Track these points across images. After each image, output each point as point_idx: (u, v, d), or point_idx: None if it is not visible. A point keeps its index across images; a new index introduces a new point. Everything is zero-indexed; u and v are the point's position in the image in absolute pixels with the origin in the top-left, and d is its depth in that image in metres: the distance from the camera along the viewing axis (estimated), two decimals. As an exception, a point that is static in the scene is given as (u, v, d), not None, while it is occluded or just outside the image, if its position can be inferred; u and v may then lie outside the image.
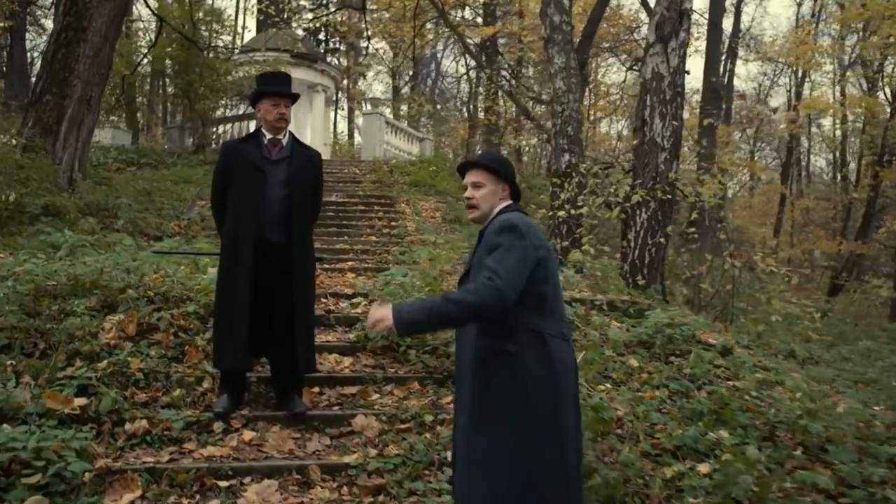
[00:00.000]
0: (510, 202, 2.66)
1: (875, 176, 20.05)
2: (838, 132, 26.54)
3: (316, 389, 4.36)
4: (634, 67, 23.74)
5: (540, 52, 23.58)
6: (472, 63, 31.10)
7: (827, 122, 28.62)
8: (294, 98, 4.08)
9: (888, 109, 20.70)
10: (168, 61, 18.09)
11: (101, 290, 4.95)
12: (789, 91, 30.01)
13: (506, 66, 20.00)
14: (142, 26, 22.13)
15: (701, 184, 9.86)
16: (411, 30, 20.76)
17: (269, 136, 4.05)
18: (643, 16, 23.30)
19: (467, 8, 23.53)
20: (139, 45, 18.23)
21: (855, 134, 25.56)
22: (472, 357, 2.47)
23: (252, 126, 18.26)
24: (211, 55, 17.30)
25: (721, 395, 4.47)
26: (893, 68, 22.36)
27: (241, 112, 18.60)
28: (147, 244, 8.56)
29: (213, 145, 17.96)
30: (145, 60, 17.30)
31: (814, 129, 29.61)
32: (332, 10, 17.62)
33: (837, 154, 27.66)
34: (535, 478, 2.37)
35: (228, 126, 18.62)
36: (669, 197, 9.51)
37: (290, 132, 4.17)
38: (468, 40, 29.26)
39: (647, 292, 8.94)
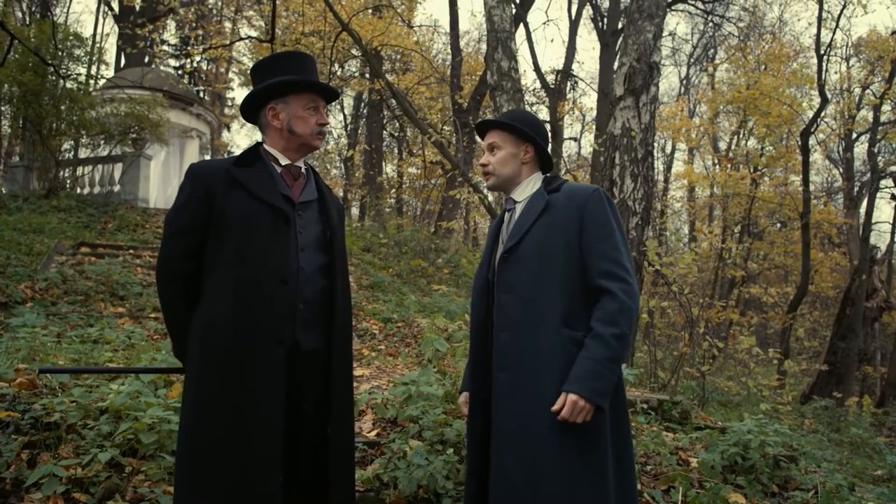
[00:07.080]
0: (543, 174, 2.37)
1: (745, 246, 20.73)
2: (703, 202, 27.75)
3: None
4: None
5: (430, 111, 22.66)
6: (352, 114, 29.90)
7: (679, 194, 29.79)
8: (333, 99, 2.35)
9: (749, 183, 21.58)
10: (14, 88, 14.98)
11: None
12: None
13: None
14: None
15: (663, 255, 9.00)
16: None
17: (283, 160, 2.26)
18: (531, 79, 23.21)
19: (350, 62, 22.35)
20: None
21: (703, 205, 26.82)
22: (550, 347, 2.10)
23: (118, 173, 15.61)
24: (72, 85, 14.54)
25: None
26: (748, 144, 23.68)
27: (105, 153, 15.86)
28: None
29: (69, 189, 15.06)
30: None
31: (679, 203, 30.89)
32: (230, 41, 15.49)
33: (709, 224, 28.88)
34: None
35: (89, 168, 15.82)
36: (649, 267, 8.48)
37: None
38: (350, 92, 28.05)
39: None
